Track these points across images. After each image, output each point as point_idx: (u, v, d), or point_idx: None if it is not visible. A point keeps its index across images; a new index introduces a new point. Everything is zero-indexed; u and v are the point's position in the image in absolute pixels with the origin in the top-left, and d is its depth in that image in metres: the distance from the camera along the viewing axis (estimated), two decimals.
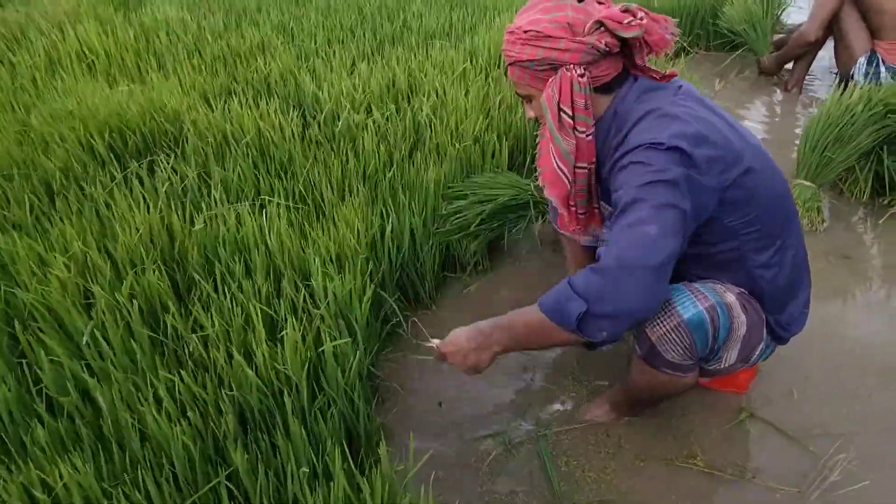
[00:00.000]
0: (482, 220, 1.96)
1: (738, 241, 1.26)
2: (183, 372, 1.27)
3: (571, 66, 1.20)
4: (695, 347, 1.23)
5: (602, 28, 1.17)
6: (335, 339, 1.33)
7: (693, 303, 1.21)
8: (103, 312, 1.42)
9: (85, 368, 1.32)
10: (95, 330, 1.38)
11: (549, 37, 1.19)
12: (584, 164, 1.30)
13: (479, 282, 2.05)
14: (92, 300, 1.52)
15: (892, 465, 1.42)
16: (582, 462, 1.47)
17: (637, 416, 1.57)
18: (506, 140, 2.24)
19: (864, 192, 2.39)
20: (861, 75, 3.06)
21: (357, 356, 1.34)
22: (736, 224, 1.23)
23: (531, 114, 1.37)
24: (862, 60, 3.06)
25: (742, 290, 1.30)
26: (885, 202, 2.37)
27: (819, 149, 2.26)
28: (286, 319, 1.38)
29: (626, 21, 1.15)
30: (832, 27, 3.18)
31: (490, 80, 2.60)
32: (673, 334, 1.22)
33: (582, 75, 1.20)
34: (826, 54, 3.44)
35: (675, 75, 1.29)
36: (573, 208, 1.40)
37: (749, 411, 1.57)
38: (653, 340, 1.24)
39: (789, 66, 3.49)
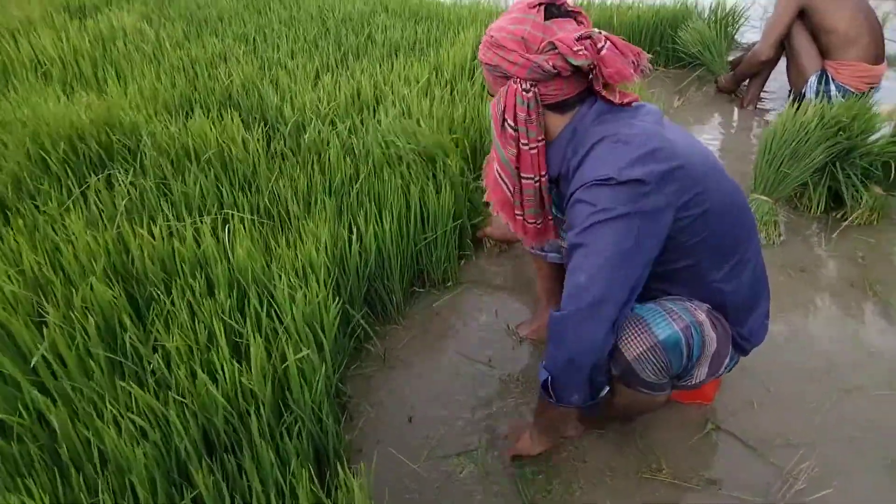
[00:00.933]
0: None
1: (694, 258, 1.26)
2: (143, 391, 1.23)
3: (518, 79, 1.21)
4: (670, 367, 1.24)
5: (555, 50, 1.16)
6: (300, 355, 1.31)
7: (668, 323, 1.22)
8: (56, 329, 1.36)
9: (39, 388, 1.26)
10: (48, 349, 1.33)
11: (504, 47, 1.20)
12: (530, 176, 1.30)
13: (449, 296, 2.04)
14: (45, 317, 1.46)
15: (854, 473, 1.46)
16: (551, 476, 1.47)
17: (604, 429, 1.58)
18: (469, 153, 2.25)
19: (817, 207, 2.46)
20: (812, 93, 3.17)
21: (324, 372, 1.32)
22: (692, 242, 1.23)
23: None
24: (813, 79, 3.17)
25: (708, 306, 1.31)
26: (838, 216, 2.45)
27: (775, 164, 2.32)
28: (252, 336, 1.35)
29: (576, 49, 1.14)
30: (784, 46, 3.29)
31: (455, 93, 2.61)
32: (649, 354, 1.22)
33: (527, 90, 1.20)
34: (781, 72, 3.55)
35: (636, 100, 1.27)
36: (520, 217, 1.40)
37: (715, 423, 1.59)
38: (629, 360, 1.24)
39: (746, 83, 3.59)
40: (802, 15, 3.16)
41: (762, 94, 3.61)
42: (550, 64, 1.16)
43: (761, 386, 1.69)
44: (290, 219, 1.89)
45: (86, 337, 1.36)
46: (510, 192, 1.34)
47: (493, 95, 1.35)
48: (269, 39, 3.38)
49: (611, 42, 1.16)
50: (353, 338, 1.77)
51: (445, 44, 3.26)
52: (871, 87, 3.09)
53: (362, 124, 2.37)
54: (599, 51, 1.14)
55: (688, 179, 1.17)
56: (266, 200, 1.90)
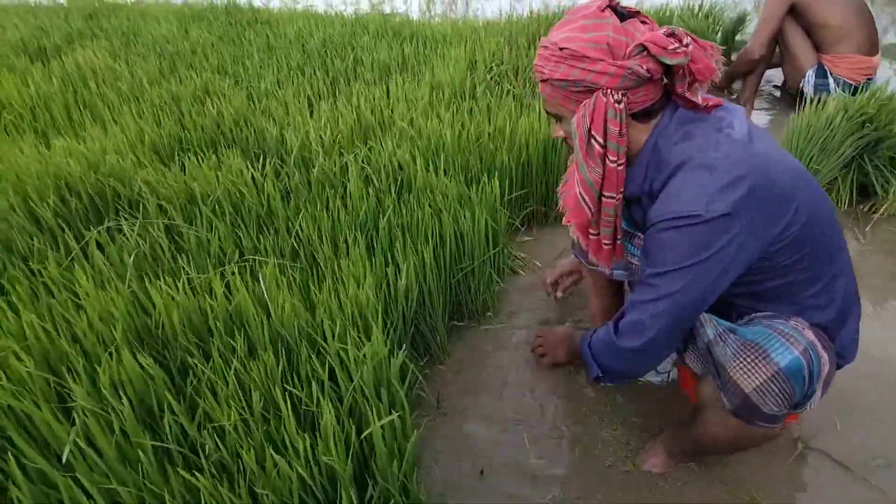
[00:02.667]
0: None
1: (790, 276, 1.17)
2: (202, 478, 1.06)
3: (608, 90, 1.09)
4: (793, 395, 1.12)
5: (645, 52, 1.06)
6: (379, 420, 1.15)
7: (787, 348, 1.10)
8: (84, 413, 1.18)
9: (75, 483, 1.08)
10: (79, 434, 1.14)
11: (587, 57, 1.08)
12: (612, 195, 1.19)
13: (491, 330, 1.90)
14: (66, 398, 1.28)
15: None
16: None
17: (692, 462, 1.45)
18: (495, 174, 2.13)
19: (846, 201, 2.41)
20: (810, 88, 3.15)
21: (415, 438, 1.16)
22: (788, 262, 1.14)
23: (560, 133, 1.28)
24: (810, 73, 3.15)
25: (808, 323, 1.20)
26: (865, 209, 2.40)
27: (804, 161, 2.26)
28: (315, 401, 1.18)
29: (671, 47, 1.04)
30: (778, 43, 3.27)
31: (463, 112, 2.49)
32: (771, 384, 1.10)
33: (619, 101, 1.09)
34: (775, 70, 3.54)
35: (720, 104, 1.17)
36: (595, 237, 1.30)
37: (804, 443, 1.48)
38: (747, 392, 1.12)
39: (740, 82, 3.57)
40: (794, 12, 3.15)
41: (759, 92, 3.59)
42: (644, 68, 1.06)
43: (841, 400, 1.59)
44: (315, 260, 1.73)
45: (122, 419, 1.18)
46: (591, 213, 1.22)
47: (550, 114, 1.23)
48: (250, 70, 3.21)
49: (690, 38, 1.08)
50: (408, 386, 1.61)
51: (437, 61, 3.14)
52: (868, 79, 3.08)
53: (371, 152, 2.23)
54: (686, 47, 1.06)
55: (780, 202, 1.09)
56: (293, 241, 1.73)
